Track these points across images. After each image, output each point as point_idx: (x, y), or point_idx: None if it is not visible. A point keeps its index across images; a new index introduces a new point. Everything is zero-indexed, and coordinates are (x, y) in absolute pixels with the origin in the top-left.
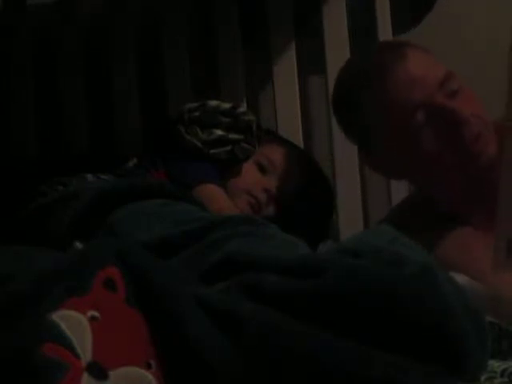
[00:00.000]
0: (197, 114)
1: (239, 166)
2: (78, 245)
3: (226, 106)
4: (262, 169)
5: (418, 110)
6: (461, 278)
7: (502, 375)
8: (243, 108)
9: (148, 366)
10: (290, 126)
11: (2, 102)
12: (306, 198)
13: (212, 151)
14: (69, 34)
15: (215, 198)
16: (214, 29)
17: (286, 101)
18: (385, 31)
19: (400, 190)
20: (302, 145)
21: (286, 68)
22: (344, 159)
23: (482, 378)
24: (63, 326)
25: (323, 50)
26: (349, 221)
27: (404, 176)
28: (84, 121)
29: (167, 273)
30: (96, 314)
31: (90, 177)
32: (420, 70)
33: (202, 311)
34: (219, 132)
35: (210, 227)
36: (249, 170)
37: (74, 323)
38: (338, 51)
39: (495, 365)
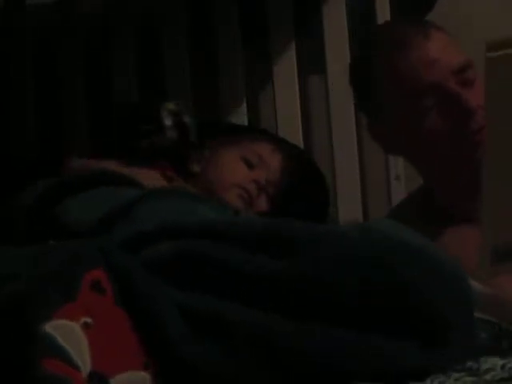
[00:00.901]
0: None
1: (222, 161)
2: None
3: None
4: (250, 164)
5: (430, 90)
6: None
7: (502, 369)
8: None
9: (145, 367)
10: (290, 126)
11: (1, 102)
12: (300, 192)
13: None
14: (69, 33)
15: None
16: (214, 29)
17: (286, 101)
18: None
19: (400, 191)
20: (301, 145)
21: (286, 68)
22: (344, 159)
23: (482, 370)
24: (59, 338)
25: (323, 50)
26: (349, 221)
27: (402, 152)
28: (84, 121)
29: (146, 272)
30: (89, 320)
31: None
32: (440, 53)
33: (177, 311)
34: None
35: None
36: (235, 165)
37: (69, 333)
38: (338, 51)
39: (495, 360)
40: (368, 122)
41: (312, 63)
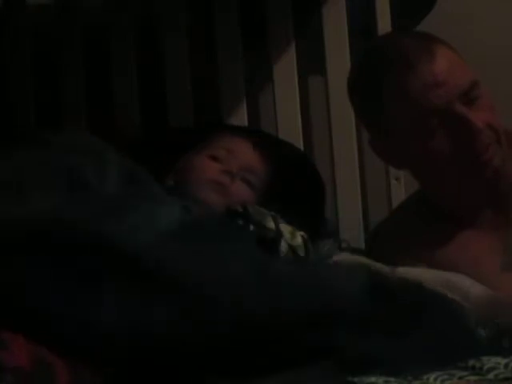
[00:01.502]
0: None
1: (192, 165)
2: None
3: None
4: (218, 159)
5: (435, 113)
6: (461, 278)
7: (505, 368)
8: None
9: None
10: (290, 126)
11: (2, 102)
12: (287, 180)
13: None
14: (69, 33)
15: None
16: (214, 29)
17: (285, 101)
18: (385, 31)
19: (400, 192)
20: (301, 145)
21: (286, 68)
22: (344, 160)
23: (485, 368)
24: None
25: (323, 50)
26: (349, 221)
27: (406, 167)
28: (84, 121)
29: None
30: None
31: None
32: (445, 75)
33: None
34: None
35: None
36: (204, 164)
37: None
38: (337, 51)
39: (498, 359)
40: (370, 138)
41: (312, 63)
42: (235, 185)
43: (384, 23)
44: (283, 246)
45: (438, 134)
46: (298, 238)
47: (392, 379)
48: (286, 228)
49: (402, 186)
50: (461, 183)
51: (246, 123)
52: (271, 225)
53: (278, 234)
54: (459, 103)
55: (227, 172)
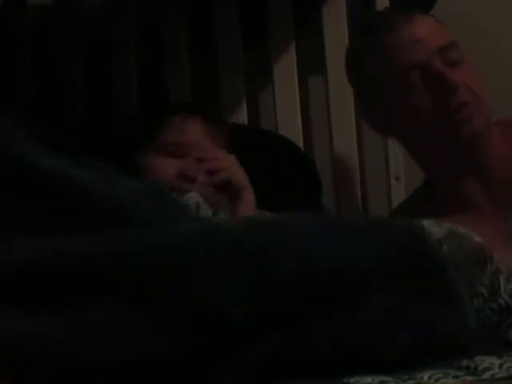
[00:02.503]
0: None
1: (152, 171)
2: None
3: None
4: (173, 154)
5: (414, 69)
6: None
7: (500, 368)
8: None
9: None
10: (290, 126)
11: (2, 102)
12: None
13: None
14: (69, 33)
15: None
16: (214, 29)
17: (285, 101)
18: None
19: (400, 191)
20: (301, 145)
21: (286, 68)
22: (344, 159)
23: (479, 368)
24: None
25: (323, 50)
26: None
27: (394, 132)
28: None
29: None
30: None
31: None
32: (423, 33)
33: None
34: None
35: None
36: (162, 167)
37: None
38: (337, 51)
39: (493, 359)
40: (363, 109)
41: (312, 63)
42: (198, 183)
43: None
44: None
45: (417, 90)
46: None
47: (388, 379)
48: None
49: (401, 186)
50: (441, 144)
51: (246, 123)
52: None
53: None
54: (438, 60)
55: (185, 177)
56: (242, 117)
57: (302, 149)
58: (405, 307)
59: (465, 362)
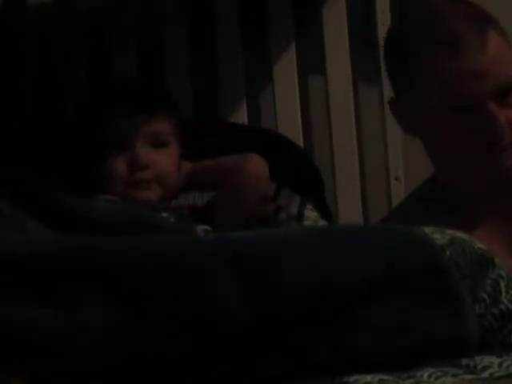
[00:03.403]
0: None
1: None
2: None
3: None
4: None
5: (466, 102)
6: None
7: (499, 367)
8: None
9: None
10: (290, 126)
11: (1, 103)
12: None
13: None
14: (69, 33)
15: None
16: (214, 29)
17: (285, 101)
18: (385, 31)
19: (400, 191)
20: (301, 145)
21: (286, 68)
22: (344, 159)
23: (479, 367)
24: None
25: (323, 49)
26: (349, 221)
27: (417, 135)
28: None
29: None
30: None
31: None
32: (489, 67)
33: None
34: None
35: None
36: (112, 171)
37: None
38: (337, 51)
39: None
40: (392, 97)
41: (312, 63)
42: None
43: (384, 23)
44: None
45: (465, 119)
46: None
47: (387, 377)
48: (311, 214)
49: (402, 186)
50: (469, 172)
51: (246, 123)
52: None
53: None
54: (493, 98)
55: (132, 184)
56: (241, 117)
57: (302, 149)
58: (405, 308)
59: (464, 361)
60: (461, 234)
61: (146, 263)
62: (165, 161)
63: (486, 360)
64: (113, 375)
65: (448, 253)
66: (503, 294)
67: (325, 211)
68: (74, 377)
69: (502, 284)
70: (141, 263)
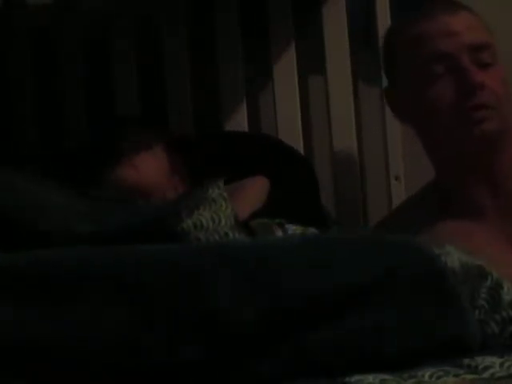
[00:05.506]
0: None
1: None
2: None
3: None
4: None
5: (441, 59)
6: None
7: (501, 367)
8: None
9: None
10: (290, 126)
11: (2, 102)
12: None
13: None
14: (69, 33)
15: None
16: (214, 29)
17: (285, 101)
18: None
19: (400, 191)
20: (301, 145)
21: (286, 68)
22: (344, 159)
23: (480, 367)
24: None
25: (323, 50)
26: (348, 221)
27: (408, 121)
28: (84, 121)
29: None
30: None
31: None
32: (459, 27)
33: None
34: None
35: None
36: None
37: None
38: (338, 51)
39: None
40: (386, 87)
41: (312, 63)
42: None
43: (384, 23)
44: None
45: (439, 83)
46: None
47: (389, 377)
48: (296, 230)
49: (402, 186)
50: (453, 139)
51: (246, 123)
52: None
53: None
54: (467, 56)
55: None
56: (241, 117)
57: (302, 149)
58: (405, 308)
59: (465, 361)
60: (458, 247)
61: (144, 266)
62: None
63: (488, 360)
64: (113, 376)
65: (443, 259)
66: (503, 301)
67: (319, 211)
68: (75, 378)
69: (502, 292)
70: (138, 266)
